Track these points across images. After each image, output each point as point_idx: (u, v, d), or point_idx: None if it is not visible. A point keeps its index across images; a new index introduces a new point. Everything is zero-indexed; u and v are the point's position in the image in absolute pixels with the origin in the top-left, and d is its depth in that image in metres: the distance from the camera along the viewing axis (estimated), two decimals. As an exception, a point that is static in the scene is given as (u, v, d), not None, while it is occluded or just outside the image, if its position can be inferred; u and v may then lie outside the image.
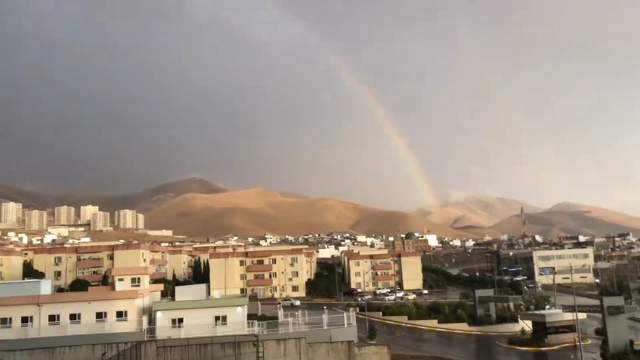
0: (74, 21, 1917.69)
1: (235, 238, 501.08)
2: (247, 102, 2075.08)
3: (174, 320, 62.67)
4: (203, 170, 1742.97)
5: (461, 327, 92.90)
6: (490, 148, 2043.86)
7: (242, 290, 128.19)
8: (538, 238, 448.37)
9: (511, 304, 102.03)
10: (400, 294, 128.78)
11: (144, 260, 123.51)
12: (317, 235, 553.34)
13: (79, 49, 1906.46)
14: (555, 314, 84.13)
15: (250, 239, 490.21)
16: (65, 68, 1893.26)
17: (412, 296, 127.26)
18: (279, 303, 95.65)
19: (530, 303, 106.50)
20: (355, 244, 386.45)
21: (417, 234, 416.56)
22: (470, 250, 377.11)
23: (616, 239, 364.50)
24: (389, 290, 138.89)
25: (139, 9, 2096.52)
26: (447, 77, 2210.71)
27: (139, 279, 69.34)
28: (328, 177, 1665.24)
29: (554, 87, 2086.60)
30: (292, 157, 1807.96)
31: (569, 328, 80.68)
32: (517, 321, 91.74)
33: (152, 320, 63.48)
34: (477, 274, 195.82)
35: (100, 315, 62.79)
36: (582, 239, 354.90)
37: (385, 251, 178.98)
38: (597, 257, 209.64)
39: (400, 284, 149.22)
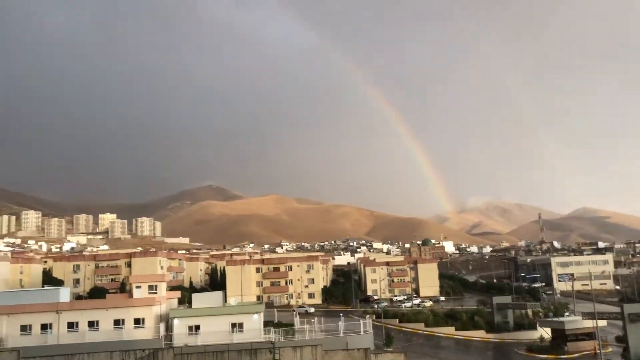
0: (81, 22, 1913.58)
1: (252, 245, 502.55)
2: (263, 109, 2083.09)
3: (190, 328, 63.20)
4: (219, 177, 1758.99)
5: (479, 335, 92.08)
6: (507, 154, 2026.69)
7: (259, 298, 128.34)
8: (556, 244, 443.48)
9: (529, 311, 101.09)
10: (416, 301, 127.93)
11: (161, 267, 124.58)
12: (333, 242, 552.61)
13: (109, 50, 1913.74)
14: (574, 321, 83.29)
15: (266, 246, 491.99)
16: (68, 68, 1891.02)
17: (428, 303, 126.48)
18: (294, 310, 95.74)
19: (549, 310, 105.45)
20: (371, 250, 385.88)
21: (433, 241, 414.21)
22: (487, 257, 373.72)
23: (637, 245, 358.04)
24: (405, 297, 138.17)
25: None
26: (465, 81, 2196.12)
27: (156, 286, 69.71)
28: (344, 183, 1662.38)
29: (573, 91, 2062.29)
30: (307, 164, 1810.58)
31: (589, 335, 79.95)
32: (535, 328, 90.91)
33: (169, 328, 64.05)
34: (495, 280, 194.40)
35: (118, 323, 63.53)
36: (601, 245, 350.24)
37: (402, 258, 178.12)
38: (617, 264, 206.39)
39: (416, 291, 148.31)
